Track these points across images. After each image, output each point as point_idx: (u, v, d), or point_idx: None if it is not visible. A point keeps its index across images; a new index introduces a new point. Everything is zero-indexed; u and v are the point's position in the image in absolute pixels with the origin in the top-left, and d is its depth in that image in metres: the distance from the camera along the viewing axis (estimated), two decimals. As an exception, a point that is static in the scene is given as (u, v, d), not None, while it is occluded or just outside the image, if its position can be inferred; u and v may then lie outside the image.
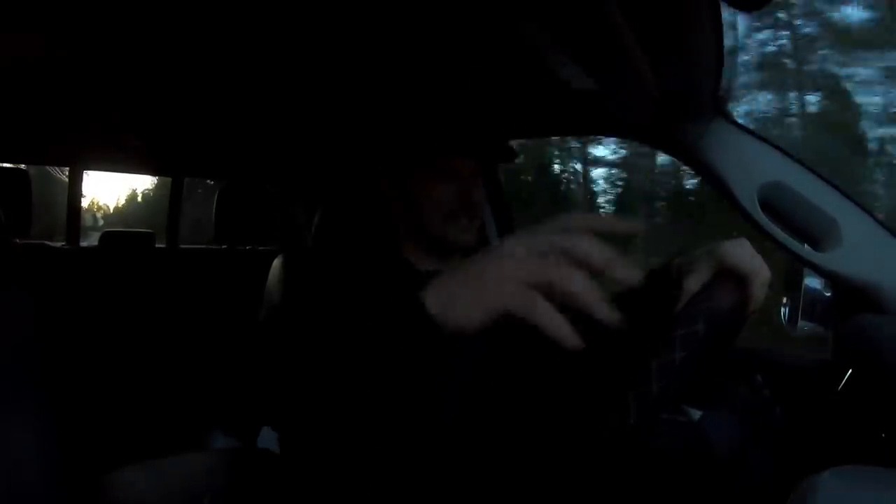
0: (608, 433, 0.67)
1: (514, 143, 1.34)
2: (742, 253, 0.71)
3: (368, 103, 1.18)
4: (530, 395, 0.85)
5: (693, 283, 0.72)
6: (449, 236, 0.82)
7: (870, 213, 0.87)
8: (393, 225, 0.86)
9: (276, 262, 0.89)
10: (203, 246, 2.30)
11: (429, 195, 0.81)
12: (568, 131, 1.56)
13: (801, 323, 0.89)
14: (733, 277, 0.70)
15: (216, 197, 2.02)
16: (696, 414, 0.71)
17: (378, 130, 1.03)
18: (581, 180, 6.18)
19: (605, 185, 6.04)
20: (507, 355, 0.84)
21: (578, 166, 6.18)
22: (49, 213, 2.76)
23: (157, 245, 2.15)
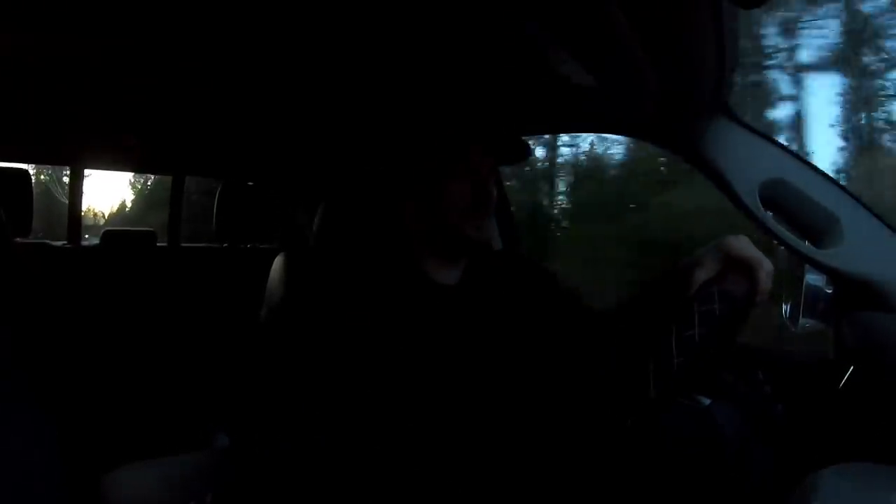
0: (628, 409, 0.68)
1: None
2: (745, 244, 0.73)
3: (384, 103, 1.18)
4: (550, 375, 0.86)
5: (702, 274, 0.74)
6: (467, 233, 0.82)
7: (871, 209, 0.87)
8: (403, 225, 0.86)
9: (278, 261, 0.89)
10: (204, 244, 2.31)
11: (448, 192, 0.81)
12: (570, 129, 1.56)
13: (802, 320, 0.89)
14: (740, 267, 0.72)
15: (217, 195, 2.02)
16: (706, 401, 0.72)
17: (395, 130, 1.03)
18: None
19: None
20: (530, 339, 0.85)
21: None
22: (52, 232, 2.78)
23: (158, 244, 2.15)
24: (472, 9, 0.73)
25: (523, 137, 0.99)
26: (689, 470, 0.71)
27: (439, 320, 0.82)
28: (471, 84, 1.02)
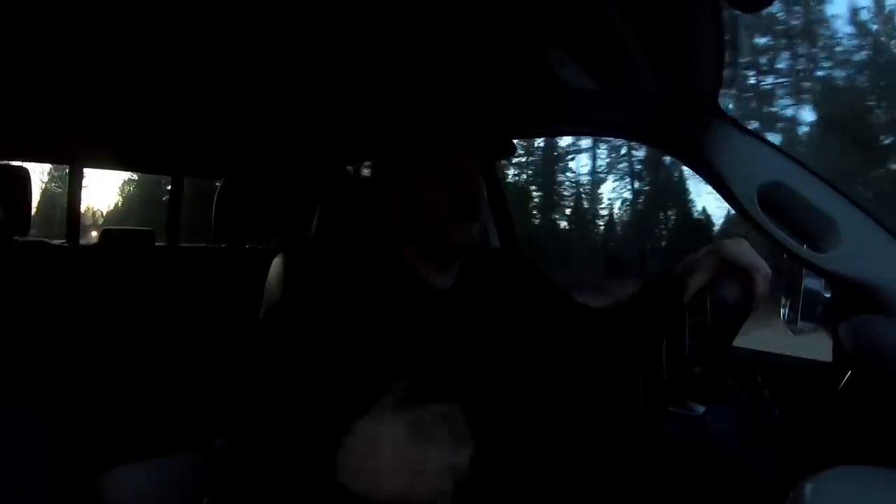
0: (619, 420, 0.68)
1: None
2: (742, 249, 0.72)
3: (369, 101, 1.18)
4: (544, 386, 0.86)
5: (697, 281, 0.73)
6: (449, 238, 0.80)
7: (869, 213, 0.87)
8: (393, 226, 0.85)
9: (276, 261, 0.89)
10: (203, 245, 2.31)
11: (429, 195, 0.79)
12: (570, 131, 1.56)
13: (800, 323, 0.89)
14: (736, 273, 0.72)
15: (216, 195, 2.02)
16: (700, 409, 0.72)
17: (379, 128, 1.02)
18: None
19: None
20: (520, 350, 0.85)
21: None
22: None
23: (157, 243, 2.15)
24: (472, 10, 0.73)
25: (522, 139, 0.99)
26: (684, 479, 0.70)
27: (434, 325, 0.81)
28: (468, 85, 1.02)
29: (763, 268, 0.72)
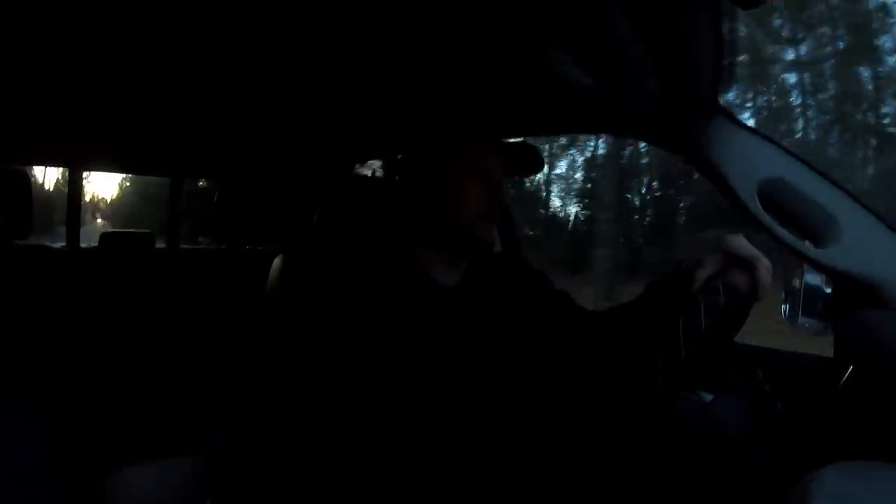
0: (636, 398, 0.70)
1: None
2: (742, 242, 0.78)
3: (390, 102, 1.18)
4: (561, 366, 0.88)
5: (706, 272, 0.80)
6: (477, 233, 0.84)
7: (870, 208, 0.87)
8: (406, 222, 0.87)
9: (277, 262, 0.89)
10: (203, 246, 2.31)
11: (465, 193, 0.83)
12: (569, 130, 1.56)
13: (801, 319, 0.89)
14: (740, 264, 0.78)
15: (216, 196, 2.02)
16: (709, 397, 0.75)
17: (406, 128, 1.03)
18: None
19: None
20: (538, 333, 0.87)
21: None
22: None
23: (157, 245, 2.16)
24: (471, 9, 0.73)
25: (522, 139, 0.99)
26: (691, 464, 0.72)
27: (439, 321, 0.82)
28: (470, 84, 1.02)
29: (765, 259, 0.77)
